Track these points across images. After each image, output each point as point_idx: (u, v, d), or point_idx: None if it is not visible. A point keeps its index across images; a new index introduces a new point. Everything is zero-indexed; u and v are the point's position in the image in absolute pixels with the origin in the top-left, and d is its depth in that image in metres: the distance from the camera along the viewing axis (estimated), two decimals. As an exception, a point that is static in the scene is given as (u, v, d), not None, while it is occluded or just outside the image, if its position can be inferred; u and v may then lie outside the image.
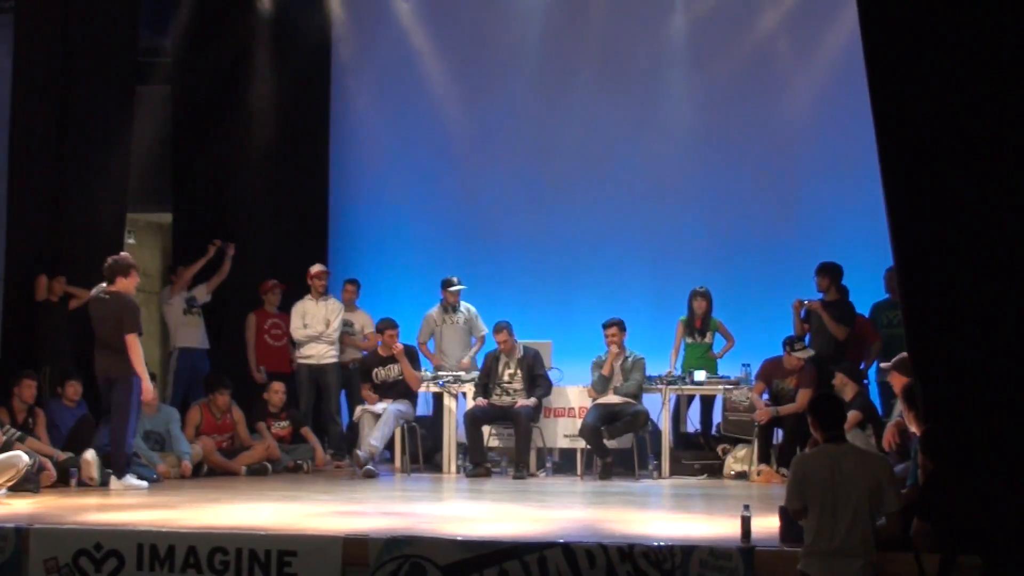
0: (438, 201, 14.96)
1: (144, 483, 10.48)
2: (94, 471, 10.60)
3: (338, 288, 13.67)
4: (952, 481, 6.72)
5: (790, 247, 13.83)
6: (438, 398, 12.89)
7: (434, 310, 13.25)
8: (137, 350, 10.30)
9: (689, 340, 12.81)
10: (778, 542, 7.10)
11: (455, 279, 13.10)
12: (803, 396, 11.37)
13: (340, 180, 15.01)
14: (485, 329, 13.23)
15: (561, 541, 7.23)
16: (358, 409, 12.34)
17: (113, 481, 10.38)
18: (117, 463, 10.36)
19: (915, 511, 6.70)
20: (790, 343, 11.67)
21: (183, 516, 8.56)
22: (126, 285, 10.48)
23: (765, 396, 11.83)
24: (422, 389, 12.58)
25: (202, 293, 13.45)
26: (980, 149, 6.95)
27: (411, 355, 12.41)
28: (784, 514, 7.09)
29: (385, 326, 12.45)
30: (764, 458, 11.56)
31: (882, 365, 11.27)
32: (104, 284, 10.52)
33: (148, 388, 10.46)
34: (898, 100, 7.11)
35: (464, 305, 13.23)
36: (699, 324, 12.75)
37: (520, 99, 14.86)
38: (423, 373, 12.54)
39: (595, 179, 14.57)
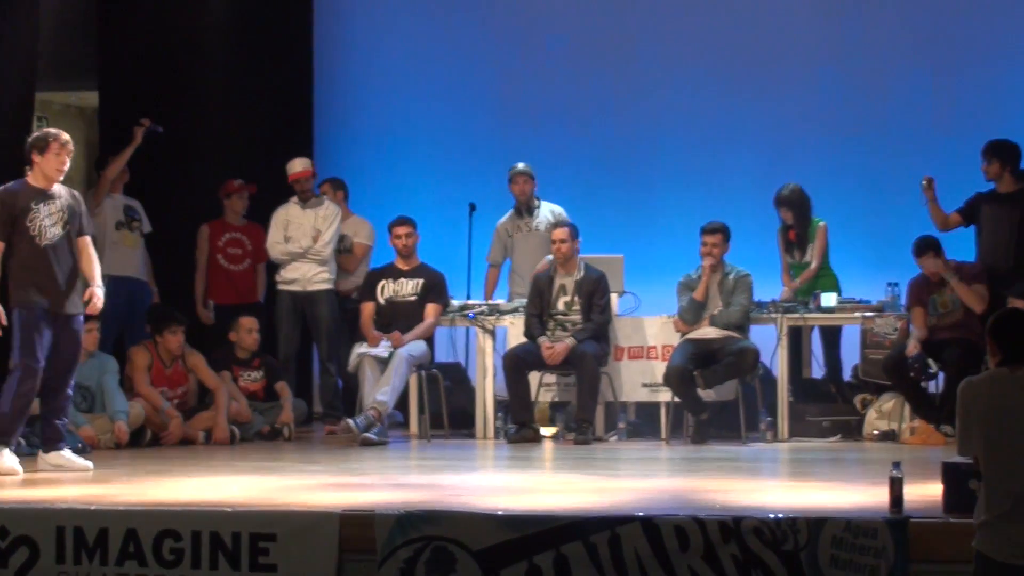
0: (460, 78, 14.98)
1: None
2: None
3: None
4: None
5: (935, 132, 13.84)
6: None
7: (505, 217, 13.11)
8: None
9: (789, 259, 12.77)
10: (941, 512, 7.05)
11: (519, 166, 12.92)
12: (975, 296, 11.30)
13: (327, 55, 15.03)
14: None
15: (640, 514, 7.17)
16: (354, 353, 12.24)
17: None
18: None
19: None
20: (918, 246, 11.61)
21: (119, 492, 8.61)
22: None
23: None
24: (444, 324, 12.60)
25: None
26: None
27: (436, 286, 12.42)
28: (950, 474, 7.00)
29: (395, 224, 12.51)
30: (920, 410, 11.39)
31: None
32: None
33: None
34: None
35: (548, 206, 13.02)
36: (793, 237, 12.62)
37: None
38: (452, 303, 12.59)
39: (682, 46, 14.54)
